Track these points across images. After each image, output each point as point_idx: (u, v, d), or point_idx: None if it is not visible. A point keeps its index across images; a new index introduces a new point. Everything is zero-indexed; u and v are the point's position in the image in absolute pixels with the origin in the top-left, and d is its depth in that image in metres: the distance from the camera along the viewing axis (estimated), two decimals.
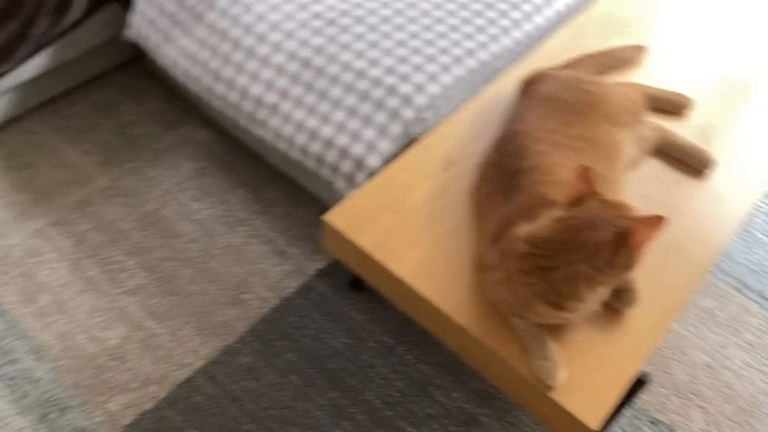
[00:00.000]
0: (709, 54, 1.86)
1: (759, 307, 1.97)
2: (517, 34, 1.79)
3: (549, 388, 1.19)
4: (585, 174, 1.14)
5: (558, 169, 1.32)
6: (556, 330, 1.26)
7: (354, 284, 1.81)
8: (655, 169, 1.56)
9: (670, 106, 1.67)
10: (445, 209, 1.42)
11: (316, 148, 1.60)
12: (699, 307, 1.95)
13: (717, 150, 1.62)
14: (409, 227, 1.38)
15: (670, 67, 1.80)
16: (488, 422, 1.64)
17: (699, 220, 1.48)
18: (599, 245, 1.10)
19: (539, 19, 1.84)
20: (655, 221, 1.07)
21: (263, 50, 1.70)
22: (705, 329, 1.91)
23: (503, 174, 1.37)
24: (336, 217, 1.37)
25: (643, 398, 1.75)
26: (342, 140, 1.58)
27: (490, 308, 1.28)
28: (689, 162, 1.57)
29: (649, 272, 1.37)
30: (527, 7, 1.84)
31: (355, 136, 1.57)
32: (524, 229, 1.20)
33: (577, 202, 1.15)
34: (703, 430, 1.71)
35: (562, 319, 1.20)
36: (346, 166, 1.57)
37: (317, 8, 1.75)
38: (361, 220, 1.38)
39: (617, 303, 1.29)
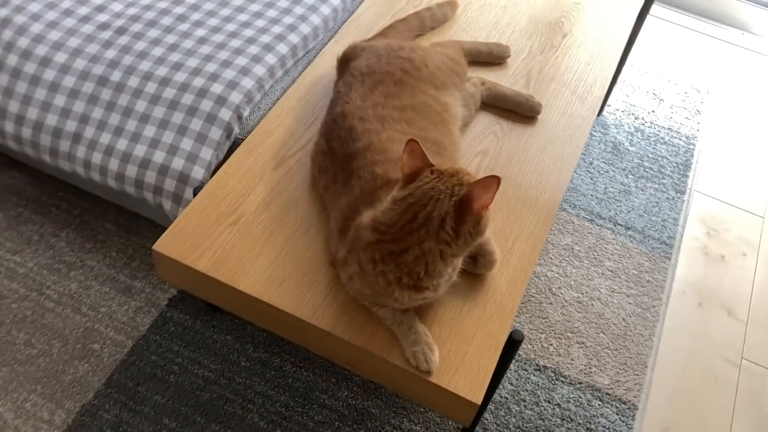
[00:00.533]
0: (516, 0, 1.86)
1: (612, 233, 2.04)
2: (325, 9, 1.70)
3: (427, 372, 1.14)
4: (414, 147, 1.08)
5: (392, 144, 1.26)
6: (421, 310, 1.20)
7: (212, 305, 1.68)
8: (489, 123, 1.54)
9: (490, 57, 1.65)
10: (286, 210, 1.32)
11: (131, 171, 1.45)
12: (559, 245, 1.99)
13: (542, 92, 1.62)
14: (249, 237, 1.27)
15: (483, 18, 1.78)
16: (380, 413, 1.59)
17: (538, 165, 1.48)
18: (442, 218, 1.05)
19: None
20: (491, 182, 1.03)
21: (49, 75, 1.51)
22: (568, 266, 1.94)
23: (337, 161, 1.29)
24: (166, 245, 1.24)
25: (524, 347, 1.76)
26: (158, 157, 1.44)
27: (352, 304, 1.20)
28: (518, 110, 1.56)
29: (501, 228, 1.35)
30: None
31: (172, 150, 1.43)
32: (368, 216, 1.13)
33: (412, 177, 1.09)
34: (586, 364, 1.75)
35: (425, 299, 1.15)
36: (170, 185, 1.43)
37: (102, 17, 1.58)
38: (195, 241, 1.25)
39: (477, 268, 1.26)
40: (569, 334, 1.80)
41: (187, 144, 1.43)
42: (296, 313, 1.19)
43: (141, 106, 1.47)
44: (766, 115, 2.47)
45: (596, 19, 1.84)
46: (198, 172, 1.43)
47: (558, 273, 1.93)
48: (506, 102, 1.55)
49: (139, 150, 1.44)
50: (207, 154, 1.44)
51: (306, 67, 1.59)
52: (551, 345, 1.77)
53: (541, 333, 1.79)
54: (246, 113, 1.48)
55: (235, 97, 1.47)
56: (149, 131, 1.45)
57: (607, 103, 2.39)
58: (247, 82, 1.49)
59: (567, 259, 1.96)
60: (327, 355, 1.23)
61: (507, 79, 1.63)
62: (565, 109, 1.60)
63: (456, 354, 1.17)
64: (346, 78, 1.41)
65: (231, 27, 1.60)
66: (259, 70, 1.52)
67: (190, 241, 1.25)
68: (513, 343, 1.23)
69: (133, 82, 1.49)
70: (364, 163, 1.24)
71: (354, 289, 1.18)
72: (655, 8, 2.80)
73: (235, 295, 1.22)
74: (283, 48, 1.58)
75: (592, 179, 2.16)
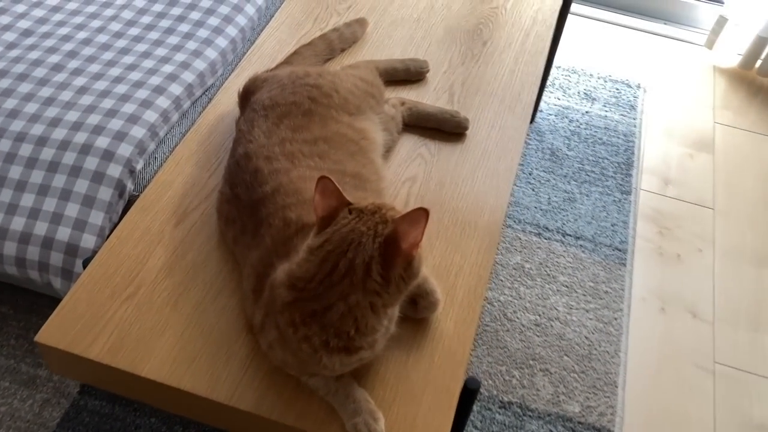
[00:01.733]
0: (429, 11, 1.74)
1: (562, 245, 1.91)
2: (221, 42, 1.54)
3: None
4: (327, 185, 0.92)
5: (304, 183, 1.10)
6: (359, 372, 1.04)
7: None
8: (414, 146, 1.40)
9: (408, 74, 1.52)
10: (192, 273, 1.15)
11: (10, 249, 1.25)
12: (509, 266, 1.85)
13: (468, 106, 1.49)
14: (150, 312, 1.09)
15: (396, 33, 1.65)
16: None
17: (473, 185, 1.33)
18: (367, 265, 0.89)
19: (242, 20, 1.60)
20: (418, 216, 0.88)
21: None
22: (521, 286, 1.81)
23: (244, 209, 1.12)
24: (51, 334, 1.05)
25: (486, 383, 1.61)
26: (40, 229, 1.24)
27: (278, 375, 1.03)
28: (445, 128, 1.42)
29: (440, 261, 1.20)
30: (224, 10, 1.59)
31: (56, 219, 1.24)
32: (282, 271, 0.96)
33: (328, 221, 0.93)
34: (553, 393, 1.60)
35: (361, 361, 0.99)
36: (56, 259, 1.24)
37: None
38: (87, 324, 1.06)
39: (418, 312, 1.10)
40: (531, 362, 1.66)
41: (72, 210, 1.24)
42: (212, 395, 1.01)
43: (15, 172, 1.27)
44: (701, 102, 2.41)
45: (516, 23, 1.73)
46: (88, 241, 1.24)
47: (511, 296, 1.79)
48: (430, 121, 1.41)
49: (17, 223, 1.25)
50: (97, 218, 1.25)
51: (206, 107, 1.42)
52: (513, 377, 1.63)
53: (501, 365, 1.64)
54: (139, 166, 1.30)
55: (125, 150, 1.29)
56: (27, 200, 1.26)
57: (539, 108, 2.28)
58: (138, 131, 1.31)
59: (519, 279, 1.82)
60: None
61: (429, 96, 1.49)
62: (494, 121, 1.47)
63: (405, 417, 1.01)
64: (247, 114, 1.25)
65: (115, 72, 1.42)
66: (151, 115, 1.34)
67: (80, 325, 1.06)
68: (469, 393, 1.08)
69: (4, 145, 1.29)
70: (274, 209, 1.07)
71: (277, 359, 1.01)
72: (574, 6, 2.73)
73: (139, 382, 1.03)
74: (176, 88, 1.41)
75: (533, 190, 2.04)
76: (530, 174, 2.08)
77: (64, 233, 1.23)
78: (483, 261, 1.22)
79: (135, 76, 1.41)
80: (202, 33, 1.52)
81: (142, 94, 1.37)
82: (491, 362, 1.64)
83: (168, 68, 1.43)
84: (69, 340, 1.05)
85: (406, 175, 1.33)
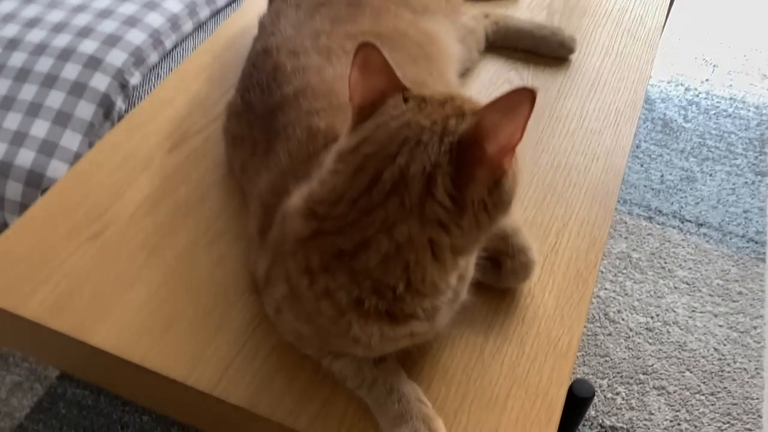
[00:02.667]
0: None
1: (680, 232, 1.50)
2: None
3: None
4: (371, 56, 0.57)
5: (342, 85, 0.75)
6: (410, 360, 0.68)
7: None
8: (501, 70, 1.04)
9: None
10: (183, 211, 0.82)
11: None
12: (611, 254, 1.46)
13: (572, 29, 1.12)
14: (118, 258, 0.76)
15: None
16: None
17: (581, 120, 0.97)
18: (429, 177, 0.54)
19: None
20: (518, 99, 0.53)
21: None
22: (627, 280, 1.41)
23: (256, 121, 0.79)
24: None
25: None
26: None
27: (289, 356, 0.69)
28: (542, 50, 1.06)
29: (535, 215, 0.84)
30: None
31: (17, 140, 0.94)
32: (299, 195, 0.62)
33: (369, 111, 0.58)
34: (672, 419, 1.20)
35: (412, 338, 0.63)
36: (14, 191, 0.93)
37: None
38: (26, 271, 0.75)
39: (502, 279, 0.74)
40: (642, 377, 1.26)
41: (39, 129, 0.93)
42: (188, 379, 0.67)
43: None
44: None
45: None
46: (57, 170, 0.93)
47: (614, 291, 1.39)
48: (523, 39, 1.06)
49: None
50: (72, 141, 0.94)
51: (226, 20, 1.10)
52: (618, 395, 1.23)
53: (602, 377, 1.25)
54: (134, 80, 0.99)
55: (116, 57, 0.98)
56: None
57: None
58: (135, 36, 1.01)
59: (624, 271, 1.43)
60: None
61: (521, 13, 1.14)
62: (609, 46, 1.10)
63: (479, 430, 0.64)
64: (273, 5, 0.92)
65: None
66: (155, 19, 1.03)
67: (18, 271, 0.75)
68: (577, 403, 0.70)
69: None
70: (296, 116, 0.73)
71: (286, 328, 0.67)
72: None
73: (88, 354, 0.71)
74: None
75: (642, 166, 1.64)
76: (637, 147, 1.69)
77: (25, 158, 0.93)
78: (598, 218, 0.84)
79: None
80: None
81: None
82: (588, 373, 1.25)
83: None
84: None
85: None
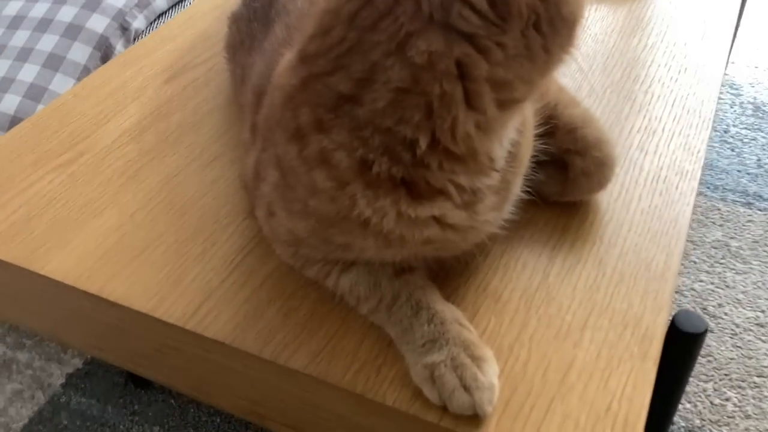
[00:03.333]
0: None
1: None
2: None
3: (474, 418, 0.42)
4: None
5: None
6: (446, 279, 0.51)
7: (136, 379, 1.01)
8: None
9: None
10: (174, 136, 0.68)
11: None
12: (706, 243, 1.24)
13: None
14: (88, 184, 0.63)
15: None
16: None
17: (663, 47, 0.80)
18: None
19: None
20: None
21: None
22: (728, 271, 1.18)
23: (255, 16, 0.65)
24: None
25: (684, 408, 0.99)
26: None
27: (294, 286, 0.52)
28: None
29: (611, 110, 0.66)
30: None
31: (4, 86, 0.83)
32: (290, 53, 0.47)
33: None
34: None
35: (443, 230, 0.45)
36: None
37: None
38: None
39: (569, 187, 0.56)
40: (756, 379, 1.02)
41: (28, 74, 0.82)
42: (155, 311, 0.51)
43: None
44: None
45: None
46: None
47: (712, 283, 1.17)
48: None
49: None
50: (63, 85, 0.82)
51: None
52: (729, 400, 1.00)
53: (707, 381, 1.02)
54: (137, 24, 0.88)
55: None
56: None
57: (730, 60, 1.68)
58: None
59: (722, 261, 1.20)
60: (247, 412, 0.53)
61: None
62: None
63: (542, 370, 0.46)
64: None
65: None
66: None
67: None
68: (685, 341, 0.51)
69: None
70: None
71: (280, 234, 0.51)
72: None
73: (38, 291, 0.56)
74: None
75: (733, 150, 1.43)
76: (725, 132, 1.47)
77: (10, 103, 0.81)
78: (693, 127, 0.66)
79: None
80: None
81: None
82: (690, 376, 1.02)
83: None
84: None
85: None
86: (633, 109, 0.68)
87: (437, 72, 0.39)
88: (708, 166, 1.40)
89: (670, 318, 0.50)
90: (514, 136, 0.47)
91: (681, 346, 0.51)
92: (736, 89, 1.59)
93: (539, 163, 0.53)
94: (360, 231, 0.43)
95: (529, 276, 0.52)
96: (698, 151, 0.63)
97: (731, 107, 1.54)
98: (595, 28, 0.81)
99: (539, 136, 0.52)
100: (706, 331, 0.51)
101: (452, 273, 0.51)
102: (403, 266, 0.48)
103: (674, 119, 0.67)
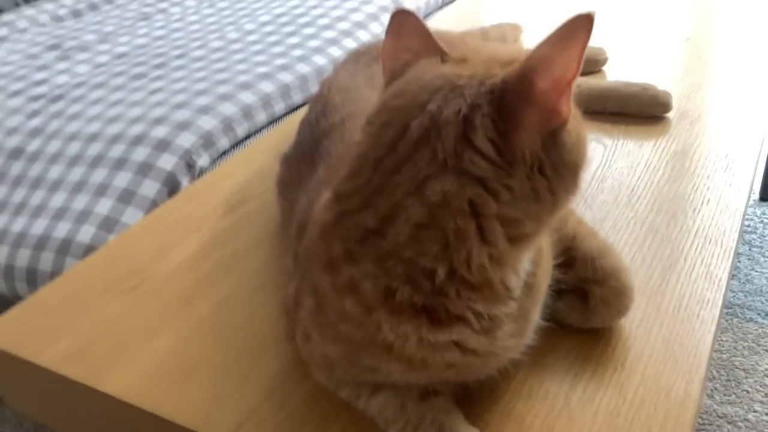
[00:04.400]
0: None
1: None
2: (335, 51, 1.25)
3: None
4: (404, 21, 0.51)
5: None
6: (470, 402, 0.54)
7: None
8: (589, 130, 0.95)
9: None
10: (228, 264, 0.75)
11: (22, 260, 0.93)
12: (758, 371, 1.21)
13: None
14: (149, 309, 0.69)
15: None
16: None
17: (687, 178, 0.84)
18: (465, 119, 0.44)
19: (364, 35, 1.32)
20: (577, 24, 0.43)
21: None
22: None
23: (303, 157, 0.73)
24: None
25: None
26: (60, 231, 0.92)
27: (326, 403, 0.56)
28: (632, 108, 0.96)
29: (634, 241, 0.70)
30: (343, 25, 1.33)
31: (81, 218, 0.92)
32: (328, 191, 0.53)
33: (401, 72, 0.50)
34: None
35: (464, 354, 0.49)
36: (70, 266, 0.90)
37: (40, 90, 1.20)
38: (51, 323, 0.69)
39: (588, 315, 0.60)
40: None
41: (103, 207, 0.92)
42: (202, 428, 0.55)
43: (55, 172, 1.00)
44: None
45: None
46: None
47: (766, 414, 1.14)
48: (611, 98, 0.96)
49: (37, 227, 0.94)
50: (134, 217, 0.91)
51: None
52: None
53: None
54: (202, 161, 0.97)
55: (185, 140, 0.98)
56: (56, 201, 0.96)
57: None
58: (206, 121, 1.01)
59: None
60: None
61: None
62: (714, 102, 0.98)
63: None
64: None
65: (200, 74, 1.16)
66: (227, 108, 1.04)
67: (43, 324, 0.69)
68: None
69: (53, 147, 1.04)
70: (340, 137, 0.67)
71: (315, 358, 0.55)
72: None
73: (96, 406, 0.61)
74: (267, 86, 1.11)
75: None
76: (755, 247, 1.47)
77: (85, 234, 0.90)
78: (714, 257, 0.69)
79: (221, 76, 1.14)
80: (313, 43, 1.25)
81: (223, 89, 1.08)
82: None
83: (262, 69, 1.15)
84: (18, 340, 0.66)
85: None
86: (655, 240, 0.72)
87: (452, 209, 0.44)
88: (757, 292, 1.39)
89: None
90: (529, 268, 0.51)
91: None
92: None
93: (560, 292, 0.57)
94: (385, 354, 0.47)
95: (552, 401, 0.55)
96: (720, 280, 0.66)
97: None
98: (620, 162, 0.86)
99: (558, 266, 0.56)
100: None
101: (477, 398, 0.54)
102: (429, 390, 0.51)
103: (696, 249, 0.70)
